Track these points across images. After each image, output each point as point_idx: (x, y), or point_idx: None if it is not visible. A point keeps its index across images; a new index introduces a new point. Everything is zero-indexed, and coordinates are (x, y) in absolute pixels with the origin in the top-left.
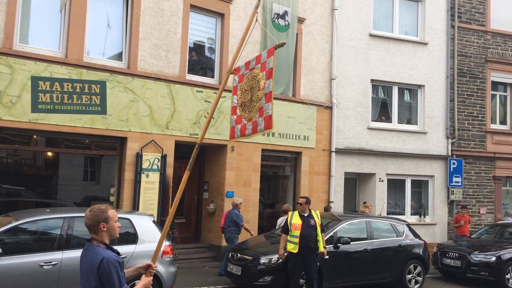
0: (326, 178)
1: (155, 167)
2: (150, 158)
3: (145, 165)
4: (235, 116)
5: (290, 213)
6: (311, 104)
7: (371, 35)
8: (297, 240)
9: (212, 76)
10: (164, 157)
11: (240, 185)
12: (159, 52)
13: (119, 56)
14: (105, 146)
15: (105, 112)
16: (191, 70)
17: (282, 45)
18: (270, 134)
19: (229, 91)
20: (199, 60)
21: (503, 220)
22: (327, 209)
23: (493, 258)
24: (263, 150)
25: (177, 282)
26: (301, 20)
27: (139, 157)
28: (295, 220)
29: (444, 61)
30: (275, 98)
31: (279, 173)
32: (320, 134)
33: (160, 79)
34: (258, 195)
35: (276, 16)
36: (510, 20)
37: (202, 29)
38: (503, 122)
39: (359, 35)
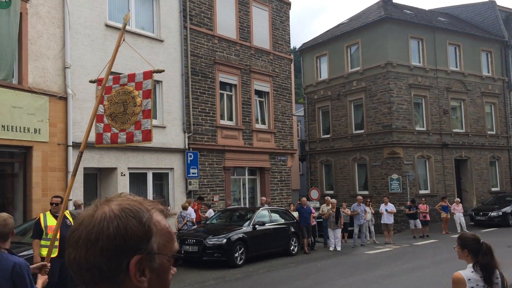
0: (63, 175)
1: None
2: None
3: None
4: (102, 124)
5: (41, 215)
6: (42, 93)
7: (107, 26)
8: (56, 243)
9: None
10: None
11: None
12: None
13: None
14: None
15: None
16: None
17: (160, 71)
18: None
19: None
20: None
21: (263, 206)
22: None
23: (224, 240)
24: None
25: None
26: None
27: None
28: (51, 221)
29: (179, 60)
30: None
31: (6, 171)
32: (54, 127)
33: None
34: None
35: None
36: (232, 29)
37: None
38: (230, 118)
39: (95, 24)
